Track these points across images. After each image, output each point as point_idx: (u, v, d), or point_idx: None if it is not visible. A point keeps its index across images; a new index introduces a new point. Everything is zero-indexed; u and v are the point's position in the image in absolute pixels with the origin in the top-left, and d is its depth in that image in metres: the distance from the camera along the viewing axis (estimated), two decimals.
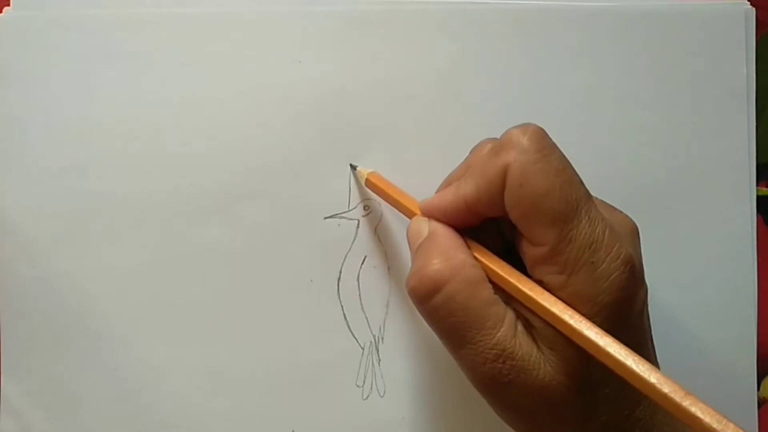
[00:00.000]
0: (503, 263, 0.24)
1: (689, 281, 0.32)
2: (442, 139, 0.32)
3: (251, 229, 0.32)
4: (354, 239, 0.32)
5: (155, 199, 0.32)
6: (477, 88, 0.32)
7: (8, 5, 0.33)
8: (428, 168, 0.32)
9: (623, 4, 0.33)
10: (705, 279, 0.32)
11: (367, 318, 0.32)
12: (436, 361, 0.32)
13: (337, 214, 0.32)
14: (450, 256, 0.24)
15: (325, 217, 0.32)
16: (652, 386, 0.20)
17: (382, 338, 0.32)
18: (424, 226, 0.26)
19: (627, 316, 0.23)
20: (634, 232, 0.25)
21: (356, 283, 0.32)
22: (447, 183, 0.28)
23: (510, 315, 0.23)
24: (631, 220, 0.25)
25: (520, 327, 0.23)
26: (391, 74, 0.32)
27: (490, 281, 0.24)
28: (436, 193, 0.28)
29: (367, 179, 0.31)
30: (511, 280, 0.23)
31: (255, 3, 0.33)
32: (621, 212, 0.26)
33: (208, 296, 0.32)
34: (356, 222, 0.32)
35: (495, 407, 0.24)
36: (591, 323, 0.21)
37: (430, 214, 0.26)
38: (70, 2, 0.33)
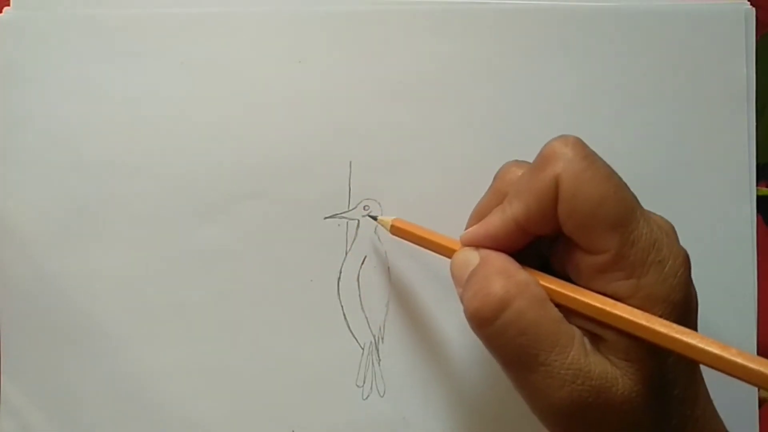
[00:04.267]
0: (562, 281, 0.23)
1: None
2: (442, 138, 0.32)
3: (251, 229, 0.32)
4: (354, 239, 0.32)
5: (155, 199, 0.32)
6: (477, 88, 0.32)
7: (8, 5, 0.33)
8: (428, 168, 0.32)
9: (623, 4, 0.33)
10: (705, 279, 0.32)
11: (367, 318, 0.32)
12: (436, 361, 0.32)
13: (337, 214, 0.32)
14: (512, 274, 0.23)
15: (325, 217, 0.32)
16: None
17: (382, 338, 0.32)
18: (472, 255, 0.25)
19: (693, 313, 0.23)
20: (675, 231, 0.25)
21: (356, 283, 0.32)
22: (478, 214, 0.27)
23: (578, 332, 0.22)
24: (667, 220, 0.25)
25: (588, 345, 0.22)
26: (391, 74, 0.32)
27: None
28: (467, 227, 0.27)
29: (392, 226, 0.30)
30: (577, 296, 0.23)
31: (255, 3, 0.33)
32: (656, 214, 0.25)
33: (208, 296, 0.32)
34: (356, 222, 0.32)
35: None
36: (681, 327, 0.21)
37: (477, 243, 0.25)
38: (70, 2, 0.33)
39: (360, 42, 0.32)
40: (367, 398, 0.32)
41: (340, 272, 0.32)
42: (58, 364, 0.32)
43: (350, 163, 0.32)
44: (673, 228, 0.24)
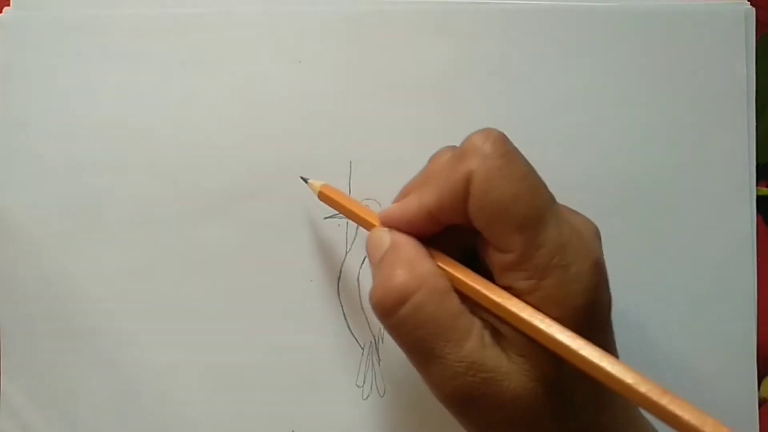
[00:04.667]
0: (468, 271, 0.23)
1: (689, 281, 0.32)
2: (442, 138, 0.32)
3: (251, 229, 0.32)
4: (354, 239, 0.32)
5: (155, 199, 0.32)
6: (476, 88, 0.32)
7: (8, 5, 0.33)
8: None
9: (623, 4, 0.33)
10: (705, 279, 0.32)
11: (367, 318, 0.32)
12: None
13: (337, 214, 0.32)
14: (415, 266, 0.23)
15: (325, 217, 0.32)
16: (628, 386, 0.19)
17: (382, 338, 0.32)
18: (385, 236, 0.25)
19: (598, 319, 0.22)
20: (597, 234, 0.24)
21: (356, 283, 0.32)
22: (405, 192, 0.27)
23: (477, 325, 0.22)
24: (592, 222, 0.25)
25: (488, 337, 0.22)
26: (391, 74, 0.32)
27: (456, 291, 0.23)
28: (394, 202, 0.27)
29: (320, 192, 0.30)
30: (478, 287, 0.23)
31: (255, 3, 0.33)
32: (582, 215, 0.25)
33: (208, 296, 0.32)
34: None
35: (466, 425, 0.24)
36: (562, 327, 0.21)
37: (391, 224, 0.25)
38: (70, 2, 0.33)
39: (360, 42, 0.32)
40: (367, 398, 0.32)
41: (340, 272, 0.32)
42: (58, 363, 0.32)
43: (350, 163, 0.32)
44: (594, 231, 0.24)
